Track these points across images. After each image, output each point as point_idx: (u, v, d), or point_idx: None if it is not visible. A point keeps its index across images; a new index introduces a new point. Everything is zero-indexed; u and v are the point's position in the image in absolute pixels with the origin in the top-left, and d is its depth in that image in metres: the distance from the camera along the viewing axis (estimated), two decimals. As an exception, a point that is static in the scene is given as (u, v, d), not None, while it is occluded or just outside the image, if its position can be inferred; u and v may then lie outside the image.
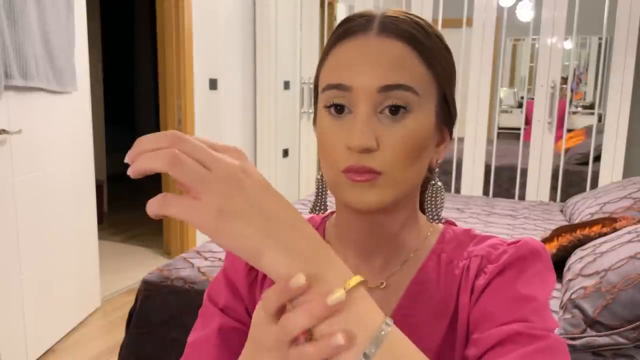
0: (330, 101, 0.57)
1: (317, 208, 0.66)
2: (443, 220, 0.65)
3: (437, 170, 0.62)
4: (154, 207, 0.41)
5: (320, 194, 0.65)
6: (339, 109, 0.57)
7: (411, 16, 0.59)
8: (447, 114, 0.61)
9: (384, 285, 0.63)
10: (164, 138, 0.42)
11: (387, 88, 0.55)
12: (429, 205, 0.63)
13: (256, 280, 0.66)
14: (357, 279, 0.42)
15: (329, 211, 0.70)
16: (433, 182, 0.63)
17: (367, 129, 0.54)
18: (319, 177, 0.65)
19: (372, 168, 0.55)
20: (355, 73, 0.56)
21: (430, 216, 0.64)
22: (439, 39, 0.59)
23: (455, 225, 0.69)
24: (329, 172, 0.59)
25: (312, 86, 3.93)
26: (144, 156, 0.41)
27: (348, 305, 0.41)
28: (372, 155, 0.55)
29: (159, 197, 0.42)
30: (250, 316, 0.65)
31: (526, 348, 0.51)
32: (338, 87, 0.56)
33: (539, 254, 0.59)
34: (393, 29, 0.57)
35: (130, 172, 0.42)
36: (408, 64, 0.56)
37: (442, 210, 0.64)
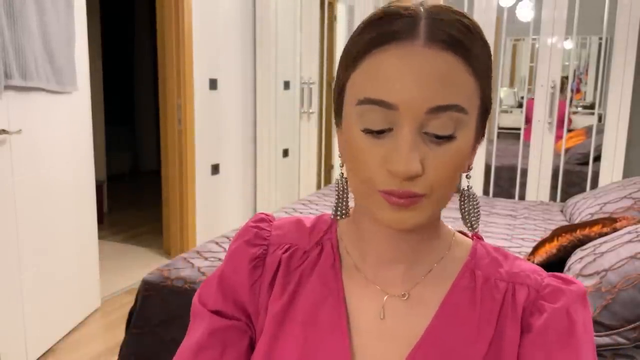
0: (368, 122, 0.51)
1: (341, 212, 0.61)
2: (477, 230, 0.61)
3: (469, 176, 0.59)
4: None
5: (342, 197, 0.61)
6: (378, 132, 0.51)
7: (456, 14, 0.52)
8: (484, 115, 0.56)
9: (406, 297, 0.59)
10: None
11: (437, 109, 0.49)
12: (466, 214, 0.59)
13: (259, 280, 0.63)
14: None
15: None
16: (465, 188, 0.59)
17: (414, 155, 0.49)
18: (339, 178, 0.60)
19: (416, 193, 0.51)
20: (400, 90, 0.49)
21: (468, 225, 0.59)
22: (481, 37, 0.53)
23: (483, 239, 0.65)
24: (361, 187, 0.54)
25: (311, 86, 3.94)
26: None
27: None
28: (416, 180, 0.50)
29: None
30: (247, 315, 0.63)
31: None
32: (379, 103, 0.50)
33: (587, 303, 0.58)
34: (441, 35, 0.50)
35: None
36: (458, 79, 0.50)
37: (479, 218, 0.59)
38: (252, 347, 0.63)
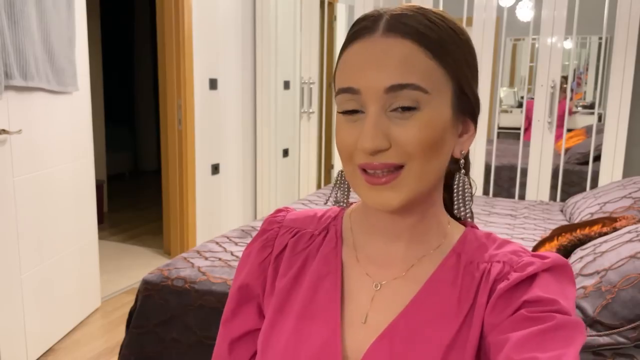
0: (342, 107, 0.59)
1: (338, 202, 0.68)
2: (469, 215, 0.65)
3: (462, 161, 0.62)
4: None
5: (341, 188, 0.67)
6: (352, 111, 0.58)
7: (422, 10, 0.58)
8: (467, 104, 0.60)
9: (404, 275, 0.64)
10: None
11: (393, 88, 0.55)
12: (456, 198, 0.63)
13: (268, 258, 0.70)
14: None
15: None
16: (458, 174, 0.63)
17: (377, 131, 0.55)
18: (341, 170, 0.66)
19: (389, 163, 0.56)
20: (361, 76, 0.56)
21: (457, 210, 0.63)
22: (453, 30, 0.58)
23: (477, 228, 0.68)
24: (347, 169, 0.60)
25: (311, 86, 3.96)
26: None
27: None
28: (387, 153, 0.56)
29: None
30: (263, 291, 0.70)
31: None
32: (347, 90, 0.57)
33: (566, 267, 0.59)
34: (399, 27, 0.57)
35: None
36: (415, 62, 0.56)
37: (470, 203, 0.64)
38: None
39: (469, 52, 0.60)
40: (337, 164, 4.42)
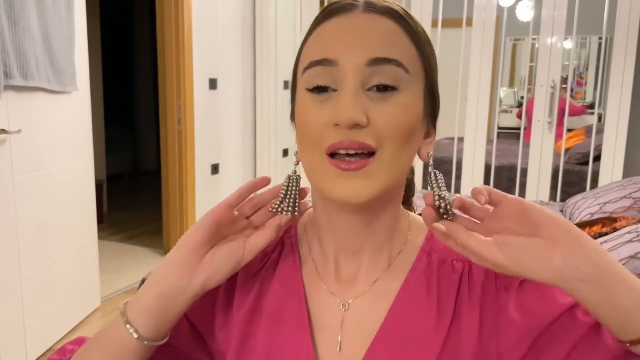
0: (313, 82, 0.52)
1: (287, 209, 0.58)
2: (449, 207, 0.59)
3: (431, 164, 0.56)
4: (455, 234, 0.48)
5: (291, 193, 0.58)
6: (322, 89, 0.52)
7: (399, 5, 0.56)
8: (432, 107, 0.57)
9: (369, 290, 0.59)
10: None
11: (377, 62, 0.50)
12: (436, 189, 0.56)
13: (216, 294, 0.63)
14: None
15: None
16: (430, 169, 0.56)
17: (357, 104, 0.50)
18: (292, 174, 0.59)
19: (364, 143, 0.50)
20: (341, 47, 0.51)
21: (438, 201, 0.55)
22: (425, 33, 0.57)
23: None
24: (311, 158, 0.53)
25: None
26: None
27: None
28: (364, 131, 0.50)
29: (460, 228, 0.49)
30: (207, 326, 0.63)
31: None
32: (322, 62, 0.51)
33: None
34: (380, 7, 0.54)
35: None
36: (398, 39, 0.52)
37: (448, 195, 0.57)
38: None
39: (436, 59, 0.58)
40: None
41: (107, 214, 4.44)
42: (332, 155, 0.52)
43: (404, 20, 0.54)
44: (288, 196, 0.58)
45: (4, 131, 1.91)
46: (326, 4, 4.11)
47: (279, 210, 0.58)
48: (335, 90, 0.52)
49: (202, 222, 0.57)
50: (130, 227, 4.20)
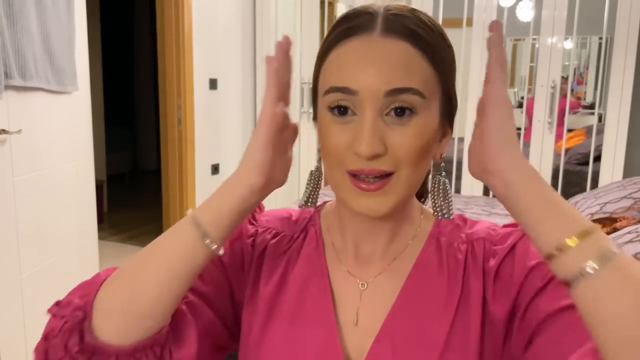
0: (334, 104, 0.56)
1: (311, 202, 0.67)
2: (452, 214, 0.65)
3: (442, 164, 0.63)
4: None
5: (315, 188, 0.66)
6: (343, 110, 0.56)
7: (415, 12, 0.58)
8: (448, 109, 0.61)
9: (387, 269, 0.64)
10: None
11: (394, 92, 0.54)
12: (437, 201, 0.64)
13: (252, 255, 0.68)
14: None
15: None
16: (438, 176, 0.63)
17: (375, 135, 0.54)
18: (314, 170, 0.66)
19: (383, 170, 0.55)
20: (360, 76, 0.54)
21: (439, 212, 0.64)
22: (442, 35, 0.59)
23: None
24: (333, 173, 0.58)
25: (312, 86, 3.95)
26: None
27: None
28: (382, 159, 0.55)
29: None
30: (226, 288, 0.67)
31: None
32: (343, 90, 0.55)
33: None
34: (397, 27, 0.56)
35: None
36: (414, 65, 0.55)
37: (452, 204, 0.64)
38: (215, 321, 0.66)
39: (453, 57, 0.61)
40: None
41: (107, 214, 4.44)
42: (353, 174, 0.56)
43: (422, 40, 0.56)
44: (312, 189, 0.66)
45: (3, 131, 1.91)
46: (327, 4, 4.11)
47: (308, 204, 0.67)
48: (355, 114, 0.56)
49: (261, 131, 0.57)
50: (130, 227, 4.19)
